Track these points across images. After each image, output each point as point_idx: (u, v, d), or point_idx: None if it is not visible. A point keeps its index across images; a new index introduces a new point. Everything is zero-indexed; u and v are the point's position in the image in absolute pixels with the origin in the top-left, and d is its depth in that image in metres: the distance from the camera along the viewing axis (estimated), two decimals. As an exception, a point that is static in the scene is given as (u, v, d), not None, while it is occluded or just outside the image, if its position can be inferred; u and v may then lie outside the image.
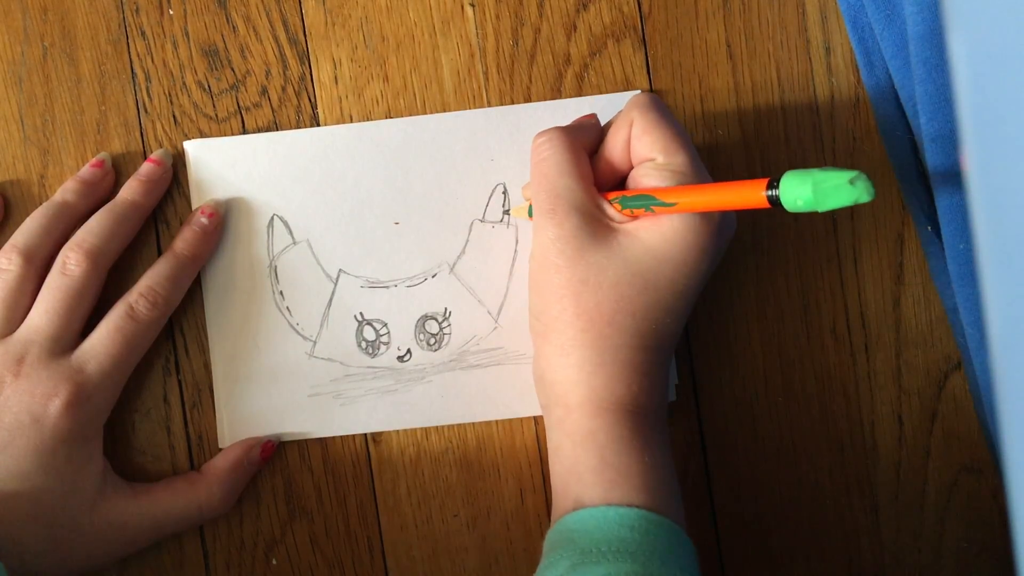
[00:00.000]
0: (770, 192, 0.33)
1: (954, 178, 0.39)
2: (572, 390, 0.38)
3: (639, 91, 0.44)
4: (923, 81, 0.39)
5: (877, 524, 0.44)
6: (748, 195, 0.34)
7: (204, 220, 0.43)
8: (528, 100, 0.44)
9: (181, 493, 0.42)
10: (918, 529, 0.44)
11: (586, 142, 0.40)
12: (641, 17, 0.45)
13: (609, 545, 0.34)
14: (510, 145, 0.44)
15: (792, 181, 0.32)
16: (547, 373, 0.39)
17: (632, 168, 0.39)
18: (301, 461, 0.44)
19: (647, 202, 0.37)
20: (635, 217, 0.38)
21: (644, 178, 0.38)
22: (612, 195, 0.38)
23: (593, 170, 0.39)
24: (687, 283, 0.38)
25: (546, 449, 0.43)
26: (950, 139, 0.39)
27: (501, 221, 0.44)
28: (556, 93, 0.44)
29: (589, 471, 0.37)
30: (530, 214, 0.42)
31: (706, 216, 0.37)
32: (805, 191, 0.31)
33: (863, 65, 0.44)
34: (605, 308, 0.37)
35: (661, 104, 0.39)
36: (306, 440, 0.44)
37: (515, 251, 0.44)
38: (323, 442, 0.44)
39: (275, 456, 0.44)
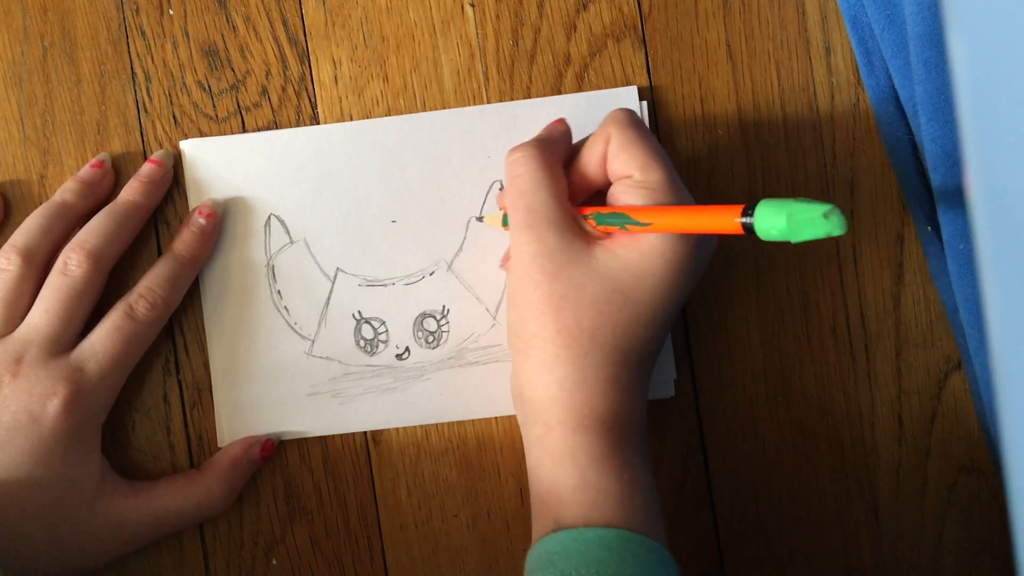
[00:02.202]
0: (744, 220, 0.33)
1: (954, 178, 0.39)
2: (552, 407, 0.38)
3: (632, 86, 0.44)
4: (923, 81, 0.39)
5: (877, 524, 0.44)
6: (722, 221, 0.34)
7: (202, 220, 0.43)
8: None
9: (180, 490, 0.42)
10: (918, 529, 0.44)
11: (560, 154, 0.40)
12: (641, 17, 0.45)
13: (588, 568, 0.34)
14: (506, 142, 0.44)
15: (767, 211, 0.32)
16: (526, 391, 0.39)
17: (606, 183, 0.39)
18: (301, 461, 0.44)
19: (622, 220, 0.37)
20: (609, 234, 0.38)
21: (621, 195, 0.38)
22: (587, 211, 0.38)
23: (568, 183, 0.39)
24: (666, 299, 0.37)
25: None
26: (950, 139, 0.39)
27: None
28: (556, 93, 0.44)
29: (569, 491, 0.36)
30: (504, 223, 0.42)
31: (683, 235, 0.37)
32: (779, 221, 0.31)
33: (863, 65, 0.44)
34: (585, 324, 0.37)
35: (639, 121, 0.39)
36: (306, 439, 0.44)
37: None
38: (323, 442, 0.44)
39: (275, 456, 0.44)
